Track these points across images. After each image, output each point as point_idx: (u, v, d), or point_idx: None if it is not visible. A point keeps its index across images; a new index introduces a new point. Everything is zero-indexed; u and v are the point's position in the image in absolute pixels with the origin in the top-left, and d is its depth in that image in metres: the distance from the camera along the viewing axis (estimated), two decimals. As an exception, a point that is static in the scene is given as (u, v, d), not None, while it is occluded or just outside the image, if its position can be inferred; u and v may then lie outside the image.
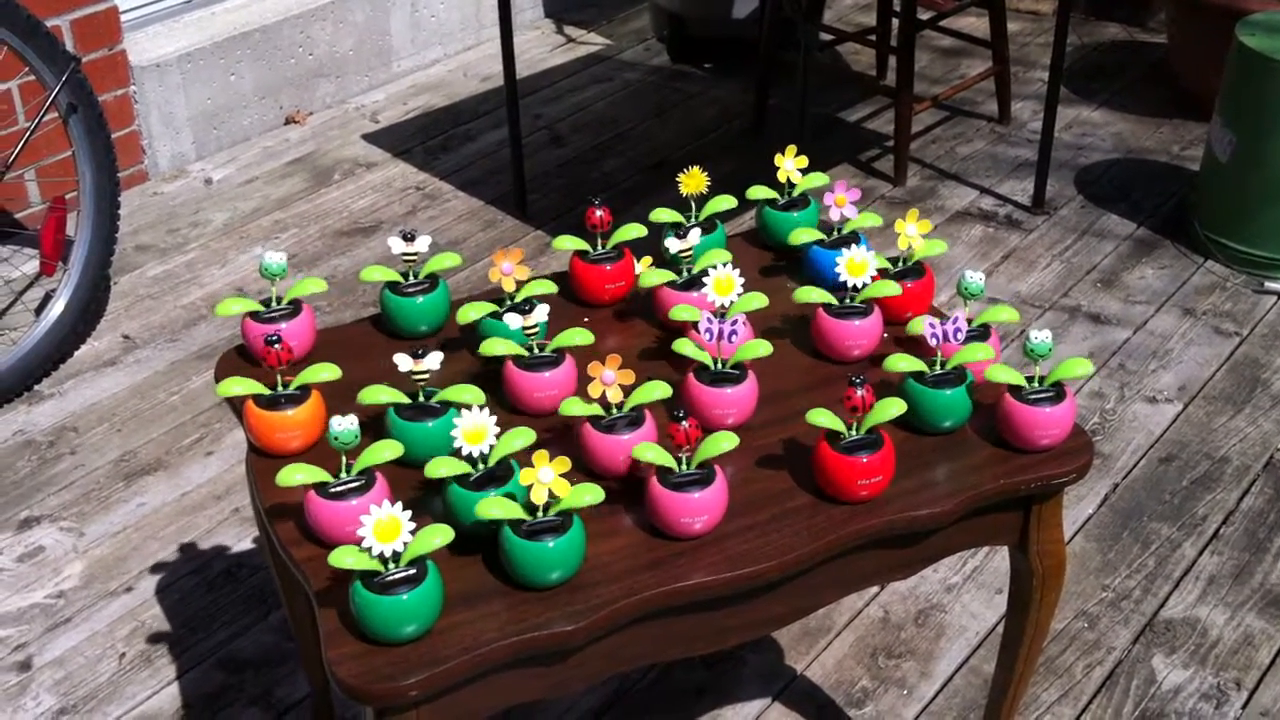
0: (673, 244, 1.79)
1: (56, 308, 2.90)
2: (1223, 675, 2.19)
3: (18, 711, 2.15)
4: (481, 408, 1.47)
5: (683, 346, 1.63)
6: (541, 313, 1.64)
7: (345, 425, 1.45)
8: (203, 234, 3.42)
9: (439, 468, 1.44)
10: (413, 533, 1.36)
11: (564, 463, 1.41)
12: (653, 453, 1.47)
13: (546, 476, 1.40)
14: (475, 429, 1.45)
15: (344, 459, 1.48)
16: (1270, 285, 3.15)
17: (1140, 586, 2.36)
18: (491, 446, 1.45)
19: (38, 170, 3.33)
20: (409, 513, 1.37)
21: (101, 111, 2.92)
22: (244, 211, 3.52)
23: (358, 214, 3.50)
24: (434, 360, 1.55)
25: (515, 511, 1.40)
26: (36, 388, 2.88)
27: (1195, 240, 3.28)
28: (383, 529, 1.35)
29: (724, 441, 1.48)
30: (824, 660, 2.22)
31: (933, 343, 1.61)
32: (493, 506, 1.39)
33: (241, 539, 2.48)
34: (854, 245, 1.78)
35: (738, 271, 1.68)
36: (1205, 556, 2.42)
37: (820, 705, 2.15)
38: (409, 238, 1.76)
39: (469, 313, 1.71)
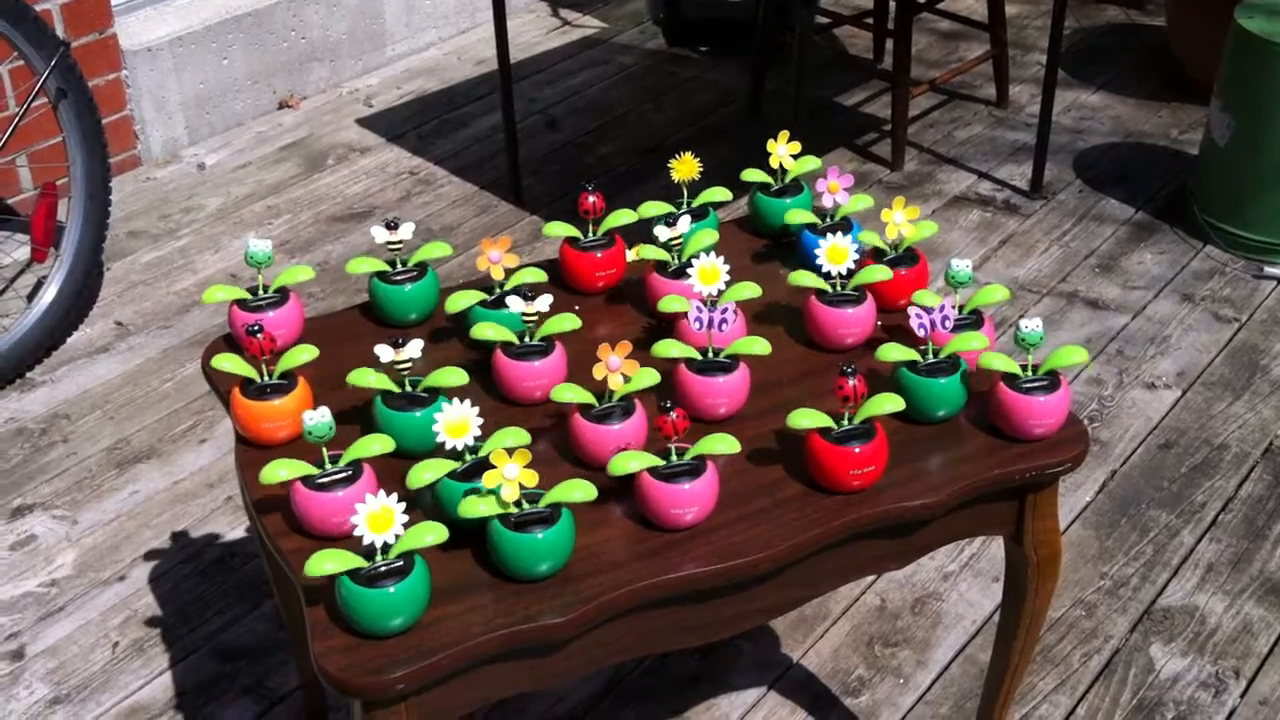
0: (662, 232, 1.77)
1: (48, 294, 2.88)
2: (1221, 664, 2.18)
3: (10, 700, 2.14)
4: (464, 400, 1.45)
5: (666, 349, 1.60)
6: (544, 302, 1.61)
7: (318, 419, 1.43)
8: (196, 220, 3.40)
9: (422, 473, 1.42)
10: (405, 524, 1.35)
11: (524, 455, 1.39)
12: (637, 461, 1.45)
13: (512, 473, 1.38)
14: (458, 421, 1.43)
15: (325, 451, 1.46)
16: (1270, 270, 3.13)
17: (1138, 574, 2.35)
18: (476, 438, 1.44)
19: (29, 156, 3.31)
20: (403, 504, 1.35)
21: (91, 96, 2.90)
22: (237, 197, 3.50)
23: (351, 199, 3.48)
24: (414, 349, 1.53)
25: (500, 508, 1.39)
26: (29, 375, 2.86)
27: (1194, 225, 3.26)
28: (376, 520, 1.33)
29: (720, 443, 1.46)
30: (820, 649, 2.21)
31: (920, 333, 1.59)
32: (478, 504, 1.38)
33: (235, 527, 2.47)
34: (844, 232, 1.76)
35: (722, 259, 1.66)
36: (1204, 544, 2.41)
37: (816, 694, 2.14)
38: (392, 226, 1.74)
39: (457, 301, 1.70)
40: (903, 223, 1.77)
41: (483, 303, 1.70)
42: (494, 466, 1.43)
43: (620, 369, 1.51)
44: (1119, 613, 2.27)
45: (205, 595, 2.34)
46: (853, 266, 1.71)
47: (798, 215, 1.84)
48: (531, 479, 1.39)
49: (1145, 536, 2.42)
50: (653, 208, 1.85)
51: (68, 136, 2.88)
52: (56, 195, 2.93)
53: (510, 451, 1.39)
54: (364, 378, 1.55)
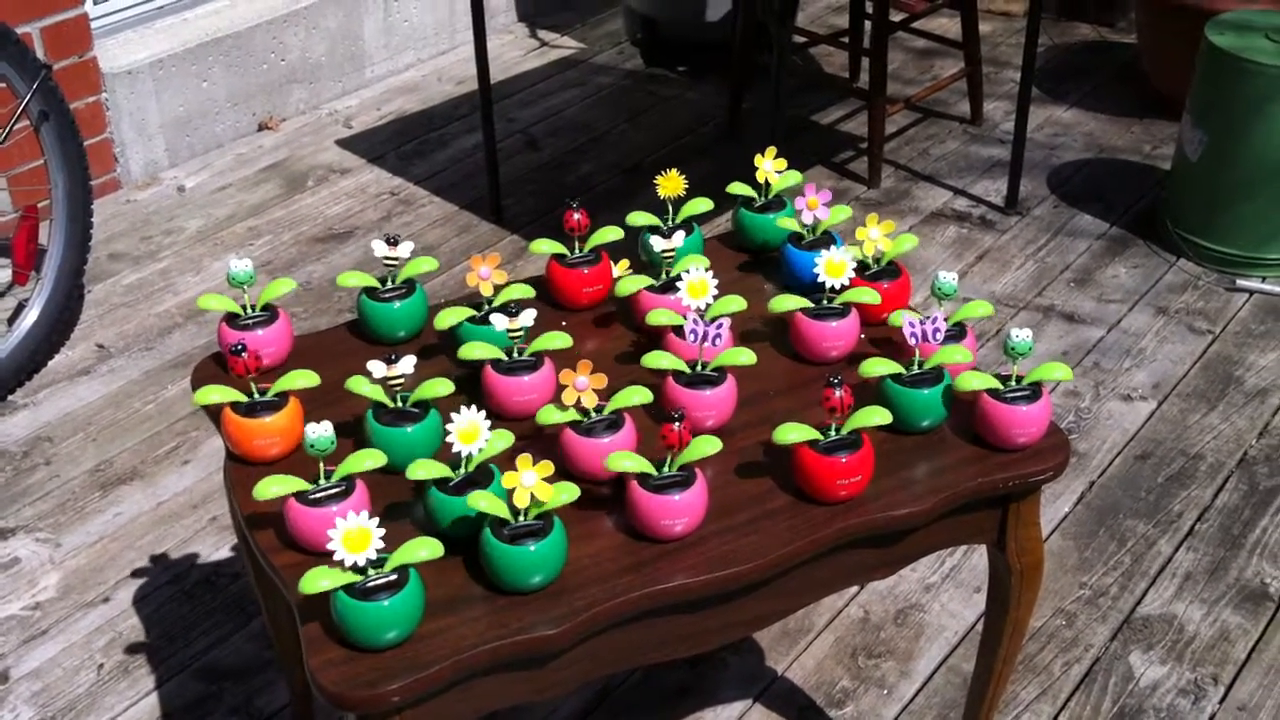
0: (658, 242, 1.79)
1: (30, 317, 2.88)
2: (1200, 671, 2.21)
3: (-5, 724, 2.14)
4: (468, 406, 1.47)
5: (656, 360, 1.62)
6: (528, 316, 1.63)
7: (320, 432, 1.44)
8: (176, 241, 3.41)
9: (418, 470, 1.44)
10: (384, 540, 1.36)
11: (547, 467, 1.41)
12: (630, 461, 1.47)
13: (529, 480, 1.40)
14: (469, 428, 1.45)
15: (321, 465, 1.47)
16: (1242, 283, 3.17)
17: (1117, 584, 2.37)
18: (481, 449, 1.45)
19: (9, 179, 3.31)
20: (376, 520, 1.36)
21: (73, 119, 2.90)
22: (218, 218, 3.50)
23: (332, 220, 3.49)
24: (407, 365, 1.55)
25: (502, 508, 1.40)
26: (10, 398, 2.85)
27: (1167, 239, 3.31)
28: (352, 539, 1.34)
29: (706, 445, 1.48)
30: (804, 661, 2.23)
31: (912, 342, 1.62)
32: (480, 500, 1.39)
33: (219, 547, 2.47)
34: (830, 246, 1.79)
35: (711, 274, 1.68)
36: (1181, 553, 2.44)
37: (801, 706, 2.15)
38: (392, 242, 1.76)
39: (446, 318, 1.71)
40: (878, 238, 1.80)
41: (471, 319, 1.72)
42: (481, 481, 1.45)
43: (589, 386, 1.52)
44: (1099, 622, 2.30)
45: (190, 616, 2.33)
46: (854, 276, 1.73)
47: (785, 222, 1.87)
48: (545, 492, 1.40)
49: (1123, 546, 2.45)
50: (640, 218, 1.87)
51: (49, 159, 2.88)
52: (38, 218, 2.93)
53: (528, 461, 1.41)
54: (361, 385, 1.56)
